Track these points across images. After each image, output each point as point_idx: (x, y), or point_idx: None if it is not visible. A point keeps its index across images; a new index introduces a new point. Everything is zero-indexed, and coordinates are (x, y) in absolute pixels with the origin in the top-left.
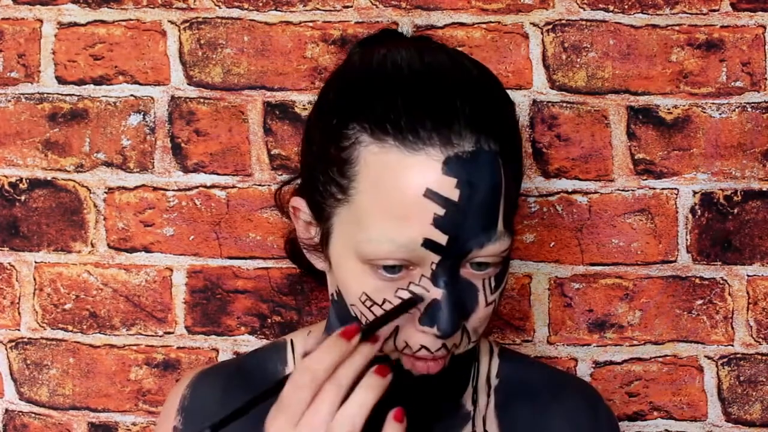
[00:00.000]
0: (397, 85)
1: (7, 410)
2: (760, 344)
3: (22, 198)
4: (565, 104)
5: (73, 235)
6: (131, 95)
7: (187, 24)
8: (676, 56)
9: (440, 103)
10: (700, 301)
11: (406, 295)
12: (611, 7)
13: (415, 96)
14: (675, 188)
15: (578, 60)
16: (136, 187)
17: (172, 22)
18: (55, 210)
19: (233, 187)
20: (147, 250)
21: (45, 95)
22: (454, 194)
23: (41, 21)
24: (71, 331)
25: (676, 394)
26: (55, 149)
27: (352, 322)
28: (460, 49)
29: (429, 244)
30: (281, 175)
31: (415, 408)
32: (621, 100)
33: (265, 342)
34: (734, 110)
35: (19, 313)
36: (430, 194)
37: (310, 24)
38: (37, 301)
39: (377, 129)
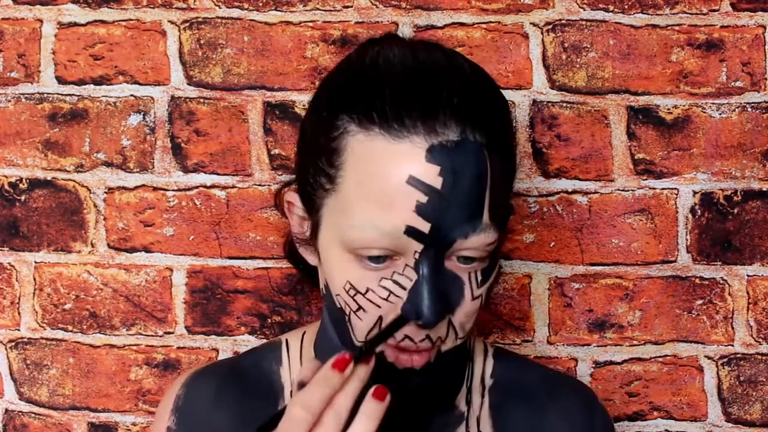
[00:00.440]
0: (386, 78)
1: (7, 410)
2: (760, 344)
3: (22, 198)
4: (565, 104)
5: (73, 235)
6: (131, 95)
7: (187, 24)
8: (676, 56)
9: (427, 94)
10: (700, 301)
11: (389, 284)
12: (611, 7)
13: (403, 87)
14: (675, 188)
15: (578, 60)
16: (136, 187)
17: (172, 22)
18: (55, 210)
19: (233, 187)
20: (147, 250)
21: (45, 95)
22: (437, 182)
23: (41, 21)
24: (71, 331)
25: (676, 394)
26: (55, 149)
27: (341, 316)
28: (459, 49)
29: (411, 231)
30: (281, 175)
31: (406, 409)
32: (621, 100)
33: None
34: (734, 110)
35: (19, 313)
36: (413, 181)
37: (310, 24)
38: (37, 301)
39: (364, 118)
